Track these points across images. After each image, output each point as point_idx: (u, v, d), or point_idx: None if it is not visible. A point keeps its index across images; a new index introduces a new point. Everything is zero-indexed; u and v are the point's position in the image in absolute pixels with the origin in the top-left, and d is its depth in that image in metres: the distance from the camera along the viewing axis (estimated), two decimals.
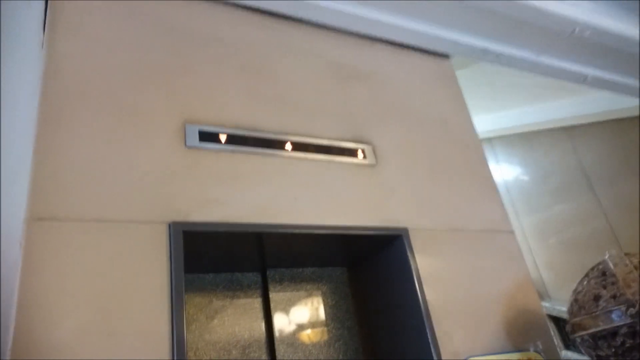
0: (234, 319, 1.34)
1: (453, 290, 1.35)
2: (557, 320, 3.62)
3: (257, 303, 1.40)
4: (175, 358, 0.92)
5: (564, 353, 3.60)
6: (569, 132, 3.45)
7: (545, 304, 3.71)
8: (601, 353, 1.17)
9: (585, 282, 1.24)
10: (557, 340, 3.68)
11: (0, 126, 1.42)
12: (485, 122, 3.65)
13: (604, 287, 1.15)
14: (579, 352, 3.43)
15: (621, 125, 3.11)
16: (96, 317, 0.91)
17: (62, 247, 0.93)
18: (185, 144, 1.18)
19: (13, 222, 1.02)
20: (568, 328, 1.26)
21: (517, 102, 3.31)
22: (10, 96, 1.38)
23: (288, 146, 1.33)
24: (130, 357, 0.90)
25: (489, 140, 4.08)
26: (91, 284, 0.93)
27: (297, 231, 1.21)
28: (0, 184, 1.29)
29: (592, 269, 1.25)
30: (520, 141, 3.86)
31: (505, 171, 4.08)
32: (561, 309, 3.45)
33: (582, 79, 2.13)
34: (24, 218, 0.93)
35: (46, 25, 1.18)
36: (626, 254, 1.19)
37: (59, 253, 0.93)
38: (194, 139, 1.19)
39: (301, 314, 1.43)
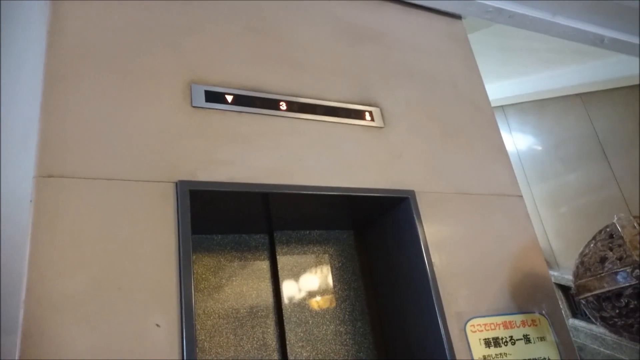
0: (241, 279, 1.37)
1: (459, 253, 1.35)
2: (566, 289, 3.64)
3: (264, 264, 1.42)
4: (183, 315, 0.95)
5: (571, 321, 3.64)
6: (584, 98, 3.38)
7: (554, 272, 3.72)
8: (605, 314, 1.18)
9: (592, 245, 1.23)
10: (564, 309, 3.71)
11: (8, 86, 1.43)
12: (498, 89, 3.58)
13: (611, 249, 1.15)
14: (586, 320, 3.46)
15: (636, 91, 3.04)
16: (106, 272, 0.93)
17: (70, 204, 0.95)
18: (192, 104, 1.17)
19: (24, 180, 1.04)
20: (573, 290, 1.27)
21: (530, 68, 3.24)
22: (17, 56, 1.38)
23: (295, 107, 1.32)
24: (141, 312, 0.92)
25: (502, 108, 4.01)
26: (100, 240, 0.95)
27: (303, 192, 1.21)
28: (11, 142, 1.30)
29: (600, 231, 1.24)
30: (533, 108, 3.80)
31: (517, 139, 4.03)
32: (570, 277, 3.45)
33: (599, 41, 2.07)
34: (33, 175, 0.94)
35: None
36: (634, 217, 1.18)
37: (68, 209, 0.94)
38: (200, 99, 1.19)
39: (308, 276, 1.45)
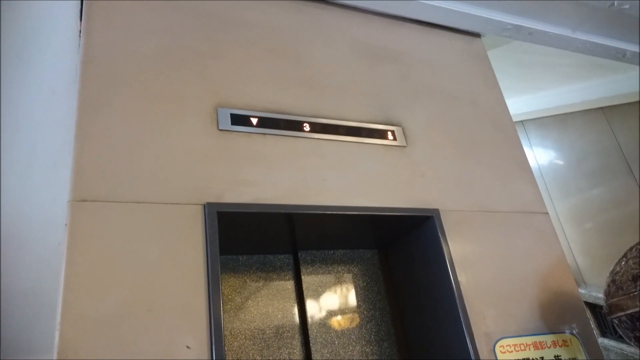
0: (267, 300, 1.37)
1: (485, 272, 1.34)
2: (593, 307, 3.54)
3: (289, 284, 1.43)
4: (213, 336, 0.95)
5: (601, 340, 3.53)
6: (606, 112, 3.34)
7: (581, 290, 3.63)
8: (639, 334, 1.15)
9: (623, 263, 1.21)
10: (593, 328, 3.60)
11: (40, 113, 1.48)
12: (517, 104, 3.56)
13: None
14: (617, 339, 3.35)
15: None
16: (137, 294, 0.94)
17: (103, 227, 0.97)
18: (218, 127, 1.20)
19: (54, 203, 1.07)
20: (605, 309, 1.24)
21: (550, 83, 3.22)
22: (49, 84, 1.43)
23: (318, 128, 1.34)
24: (171, 333, 0.93)
25: (522, 123, 3.98)
26: (131, 262, 0.97)
27: (327, 212, 1.22)
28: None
29: (631, 249, 1.22)
30: (554, 123, 3.76)
31: (538, 155, 3.98)
32: (597, 295, 3.37)
33: (620, 55, 2.05)
34: (67, 200, 0.97)
35: (83, 14, 1.22)
36: None
37: (101, 233, 0.97)
38: (226, 122, 1.22)
39: (333, 296, 1.45)
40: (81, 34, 1.19)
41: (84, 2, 1.23)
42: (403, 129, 1.48)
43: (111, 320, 0.90)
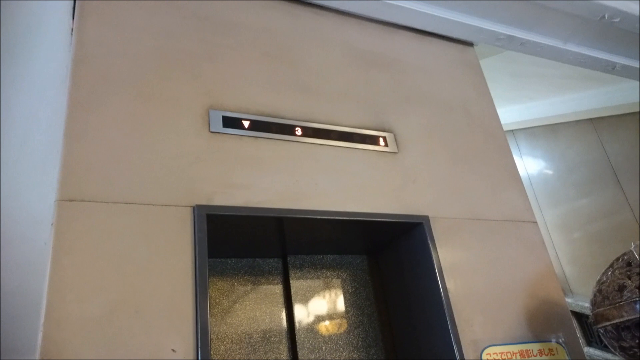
0: (255, 304, 1.36)
1: (474, 279, 1.34)
2: (580, 316, 3.57)
3: (277, 289, 1.42)
4: (199, 339, 0.94)
5: (586, 350, 3.55)
6: (595, 123, 3.38)
7: (568, 299, 3.65)
8: (624, 344, 1.15)
9: (609, 273, 1.22)
10: (579, 337, 3.63)
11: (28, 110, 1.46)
12: (508, 113, 3.60)
13: (629, 278, 1.13)
14: (602, 349, 3.38)
15: None
16: (123, 296, 0.93)
17: (91, 228, 0.96)
18: (210, 129, 1.20)
19: (42, 202, 1.05)
20: (591, 319, 1.24)
21: (541, 93, 3.25)
22: (40, 82, 1.41)
23: (310, 133, 1.34)
24: (157, 336, 0.92)
25: (512, 132, 4.02)
26: (119, 263, 0.96)
27: (317, 217, 1.21)
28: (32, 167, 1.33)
29: (617, 259, 1.23)
30: (544, 133, 3.80)
31: (528, 164, 4.01)
32: (584, 304, 3.40)
33: (610, 68, 2.08)
34: (55, 199, 0.96)
35: (75, 12, 1.21)
36: None
37: (88, 233, 0.96)
38: (218, 124, 1.21)
39: (321, 301, 1.44)
40: (73, 32, 1.18)
41: (76, 0, 1.22)
42: (395, 135, 1.49)
43: (96, 321, 0.89)
